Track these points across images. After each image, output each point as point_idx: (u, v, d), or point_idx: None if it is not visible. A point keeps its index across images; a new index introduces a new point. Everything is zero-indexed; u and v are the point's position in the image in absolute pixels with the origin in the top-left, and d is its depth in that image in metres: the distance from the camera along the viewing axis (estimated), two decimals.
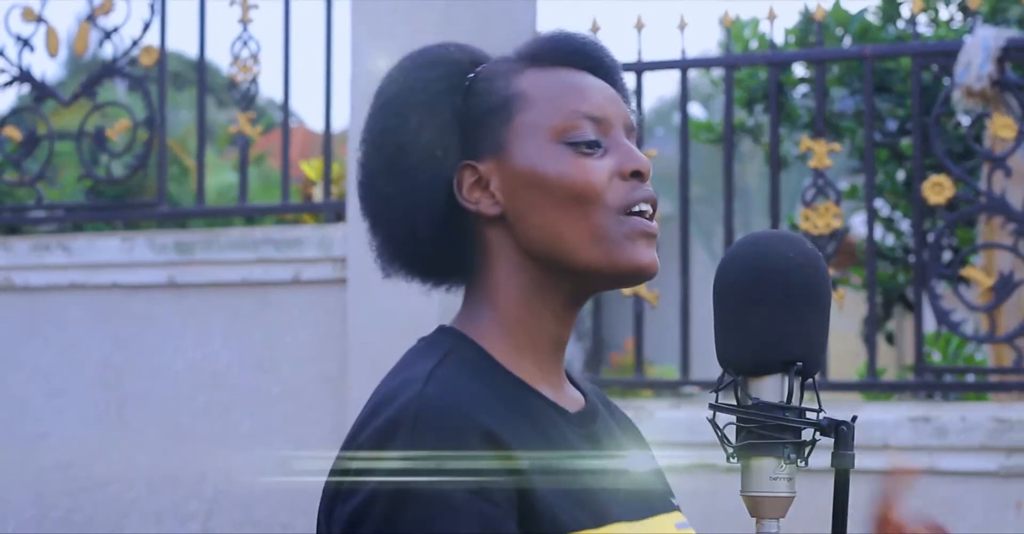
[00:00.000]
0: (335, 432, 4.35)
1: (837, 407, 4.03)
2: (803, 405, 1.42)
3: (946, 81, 5.68)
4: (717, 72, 6.55)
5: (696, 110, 15.83)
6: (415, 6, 4.41)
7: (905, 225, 6.79)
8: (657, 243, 1.56)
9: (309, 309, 4.54)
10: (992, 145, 4.53)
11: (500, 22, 4.51)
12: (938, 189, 4.34)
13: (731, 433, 1.43)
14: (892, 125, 6.62)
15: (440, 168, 1.56)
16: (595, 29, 4.67)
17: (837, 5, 6.49)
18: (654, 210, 1.56)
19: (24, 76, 5.15)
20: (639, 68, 4.67)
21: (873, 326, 4.52)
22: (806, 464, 1.41)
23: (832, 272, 1.35)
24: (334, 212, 4.68)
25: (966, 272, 4.51)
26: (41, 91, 5.18)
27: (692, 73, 5.05)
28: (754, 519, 1.43)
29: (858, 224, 8.07)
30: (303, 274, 4.55)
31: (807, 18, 6.54)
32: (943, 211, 4.64)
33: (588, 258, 1.53)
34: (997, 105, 4.37)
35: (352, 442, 1.47)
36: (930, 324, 5.64)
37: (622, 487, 1.57)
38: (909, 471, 1.52)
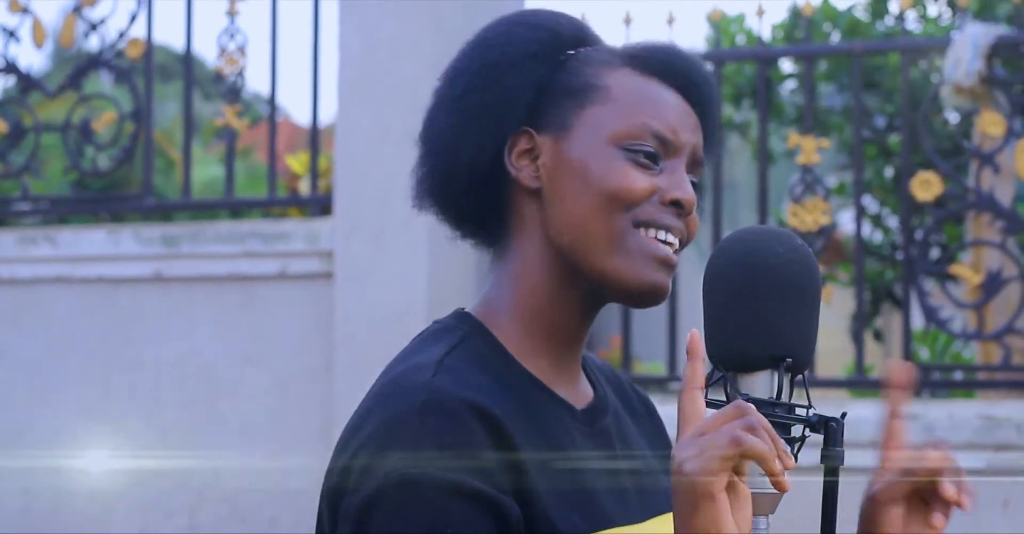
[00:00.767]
0: (321, 426, 4.35)
1: (824, 404, 4.03)
2: (792, 401, 1.41)
3: (935, 78, 5.69)
4: None
5: None
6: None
7: (893, 222, 6.81)
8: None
9: (295, 303, 4.53)
10: (980, 142, 4.53)
11: (488, 16, 4.48)
12: (926, 186, 4.33)
13: None
14: (880, 121, 6.63)
15: (500, 123, 1.57)
16: None
17: (825, 1, 6.50)
18: (681, 246, 1.57)
19: (10, 67, 5.13)
20: None
21: (861, 323, 4.51)
22: (795, 460, 1.40)
23: (820, 269, 1.34)
24: (320, 206, 4.67)
25: (954, 269, 4.51)
26: (27, 83, 5.16)
27: None
28: None
29: (846, 220, 8.07)
30: (290, 268, 4.54)
31: (795, 14, 6.54)
32: (931, 208, 4.64)
33: (600, 262, 1.53)
34: (986, 102, 4.37)
35: (358, 431, 1.46)
36: (918, 321, 5.64)
37: (625, 487, 1.57)
38: (905, 386, 1.50)
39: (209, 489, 4.55)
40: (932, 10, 6.73)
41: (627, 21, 4.67)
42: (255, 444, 4.50)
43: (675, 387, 4.95)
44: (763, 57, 4.78)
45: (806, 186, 4.47)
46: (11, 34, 5.10)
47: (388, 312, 4.24)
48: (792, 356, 1.40)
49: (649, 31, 5.06)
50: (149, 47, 4.95)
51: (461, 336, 1.54)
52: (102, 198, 5.51)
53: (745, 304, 1.40)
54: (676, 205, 1.54)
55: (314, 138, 4.78)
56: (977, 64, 4.29)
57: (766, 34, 6.48)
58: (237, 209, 5.29)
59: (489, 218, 1.61)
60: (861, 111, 4.50)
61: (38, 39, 5.10)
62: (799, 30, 6.46)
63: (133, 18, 4.94)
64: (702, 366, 1.37)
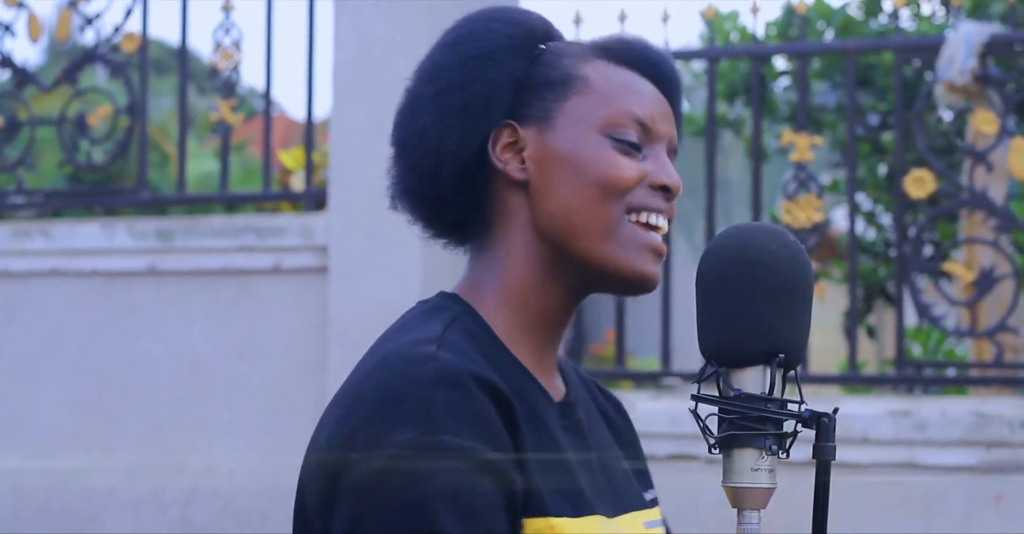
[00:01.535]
0: (315, 420, 4.32)
1: (817, 400, 4.04)
2: (785, 397, 1.42)
3: (928, 76, 5.70)
4: (699, 65, 6.55)
5: None
6: None
7: (886, 219, 6.81)
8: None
9: (290, 298, 4.53)
10: (974, 140, 4.54)
11: None
12: (920, 184, 4.34)
13: (713, 424, 1.42)
14: (874, 119, 6.63)
15: (481, 118, 1.58)
16: (578, 21, 4.67)
17: None
18: (668, 227, 1.58)
19: (5, 61, 5.13)
20: None
21: (854, 320, 4.52)
22: (787, 456, 1.41)
23: (813, 266, 1.35)
24: (315, 201, 4.67)
25: (947, 267, 4.52)
26: (22, 77, 5.16)
27: None
28: (735, 510, 1.43)
29: (839, 218, 8.08)
30: (284, 262, 4.54)
31: (789, 11, 6.54)
32: (925, 206, 4.65)
33: (593, 250, 1.55)
34: (979, 100, 4.38)
35: (360, 400, 1.46)
36: (911, 318, 5.65)
37: (598, 482, 1.58)
38: None
39: (202, 484, 4.55)
40: (926, 8, 6.74)
41: (622, 18, 4.67)
42: (249, 439, 4.50)
43: (668, 382, 4.96)
44: (757, 54, 4.78)
45: (799, 183, 4.47)
46: (7, 28, 5.10)
47: (382, 307, 4.24)
48: (784, 352, 1.40)
49: (643, 28, 5.07)
50: (144, 42, 4.95)
51: (454, 315, 1.55)
52: (97, 192, 5.52)
53: (738, 300, 1.41)
54: (663, 189, 1.57)
55: (308, 133, 4.78)
56: (971, 62, 4.30)
57: (760, 31, 6.49)
58: (232, 203, 5.29)
59: (469, 213, 1.61)
60: (855, 109, 4.50)
61: (33, 33, 5.10)
62: (793, 28, 6.47)
63: (128, 13, 4.94)
64: None
